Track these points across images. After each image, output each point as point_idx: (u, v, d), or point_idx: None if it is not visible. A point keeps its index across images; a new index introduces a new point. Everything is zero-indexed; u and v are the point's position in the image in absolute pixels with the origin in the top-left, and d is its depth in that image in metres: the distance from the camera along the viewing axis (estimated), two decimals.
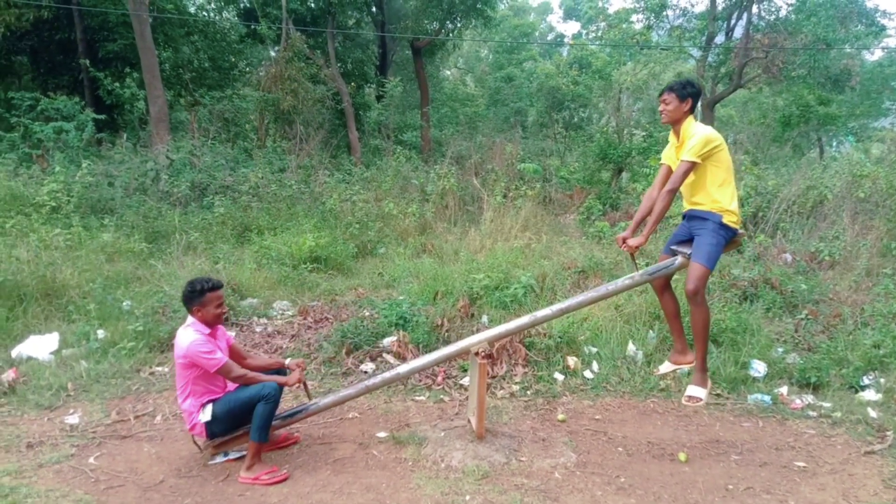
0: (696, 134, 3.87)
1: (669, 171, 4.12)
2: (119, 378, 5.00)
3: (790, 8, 17.74)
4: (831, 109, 20.95)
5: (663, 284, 4.31)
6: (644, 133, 17.34)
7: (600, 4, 26.93)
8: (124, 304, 6.04)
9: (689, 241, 4.11)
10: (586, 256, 7.70)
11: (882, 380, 5.25)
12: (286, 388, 4.07)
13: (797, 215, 9.39)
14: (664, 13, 19.27)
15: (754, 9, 17.90)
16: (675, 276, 4.36)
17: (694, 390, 4.06)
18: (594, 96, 22.54)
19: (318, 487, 3.60)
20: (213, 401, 3.72)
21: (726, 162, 3.95)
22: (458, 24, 21.06)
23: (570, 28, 51.93)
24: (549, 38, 39.12)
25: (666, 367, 4.53)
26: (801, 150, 21.02)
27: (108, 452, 3.95)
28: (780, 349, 5.86)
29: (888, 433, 4.47)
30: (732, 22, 18.53)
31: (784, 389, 5.25)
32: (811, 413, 4.91)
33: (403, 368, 4.21)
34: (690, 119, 4.00)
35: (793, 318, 6.53)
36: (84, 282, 6.30)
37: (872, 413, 4.81)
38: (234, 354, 3.91)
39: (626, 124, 19.00)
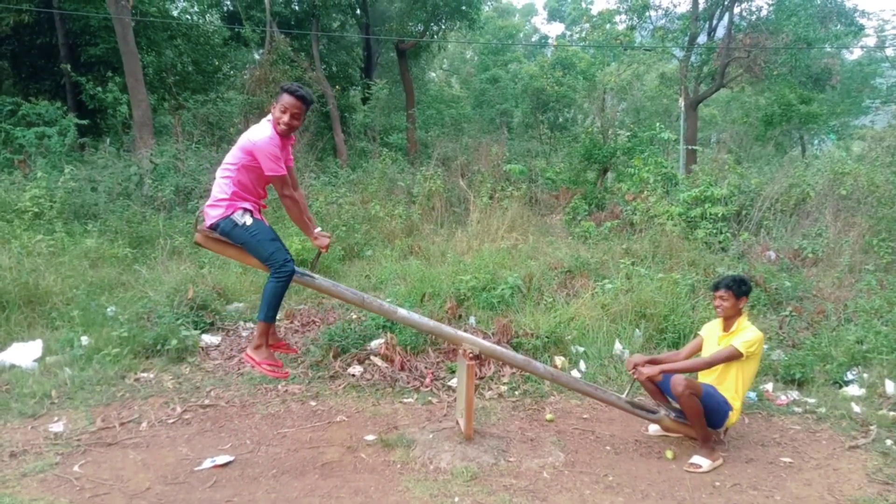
0: (754, 331, 4.11)
1: (701, 344, 4.36)
2: (104, 385, 4.95)
3: (770, 8, 17.91)
4: (813, 108, 21.18)
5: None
6: (628, 133, 17.43)
7: (584, 6, 27.03)
8: (108, 310, 5.99)
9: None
10: (572, 256, 7.74)
11: (865, 375, 5.32)
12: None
13: (780, 213, 9.49)
14: (647, 14, 19.37)
15: (736, 9, 18.04)
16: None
17: (699, 460, 4.00)
18: (579, 97, 22.66)
19: (307, 492, 3.59)
20: (252, 213, 3.63)
21: (756, 368, 4.21)
22: (443, 26, 21.05)
23: (555, 29, 52.26)
24: (533, 39, 39.25)
25: (655, 429, 4.52)
26: (783, 148, 21.26)
27: (93, 460, 3.91)
28: (765, 346, 5.91)
29: (871, 428, 4.52)
30: (714, 22, 18.65)
31: (769, 386, 5.30)
32: (796, 409, 4.96)
33: (402, 312, 4.21)
34: (745, 316, 4.23)
35: (777, 315, 6.60)
36: (67, 288, 6.24)
37: (856, 408, 4.86)
38: (290, 177, 3.81)
39: (611, 124, 19.08)
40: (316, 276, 4.10)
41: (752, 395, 5.12)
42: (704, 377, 4.26)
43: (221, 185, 3.63)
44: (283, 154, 3.63)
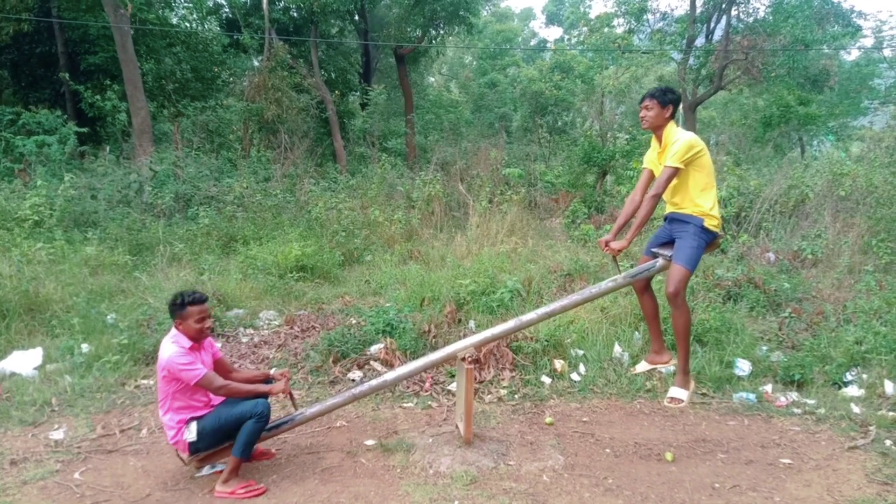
0: (679, 140, 3.94)
1: (651, 175, 4.21)
2: (104, 392, 4.96)
3: (768, 10, 17.97)
4: (811, 109, 21.23)
5: (644, 286, 4.37)
6: (627, 136, 17.47)
7: (582, 10, 27.12)
8: (108, 317, 6.00)
9: (669, 243, 4.16)
10: (572, 259, 7.75)
11: (864, 376, 5.31)
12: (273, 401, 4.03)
13: (779, 215, 9.50)
14: (645, 17, 19.45)
15: (733, 11, 18.11)
16: (656, 277, 4.40)
17: (676, 392, 4.10)
18: (577, 100, 22.71)
19: (306, 497, 3.59)
20: (197, 418, 3.65)
21: (708, 167, 4.03)
22: (441, 31, 21.14)
23: (553, 33, 52.30)
24: (531, 43, 39.35)
25: (642, 366, 4.60)
26: (782, 150, 21.25)
27: (93, 467, 3.92)
28: (765, 347, 5.92)
29: (871, 428, 4.52)
30: (712, 25, 18.72)
31: (769, 387, 5.30)
32: (796, 410, 4.96)
33: (390, 376, 4.21)
34: (672, 125, 4.08)
35: (776, 317, 6.60)
36: (67, 296, 6.25)
37: (855, 409, 4.86)
38: (220, 368, 3.85)
39: (610, 128, 19.09)
40: (304, 410, 4.12)
41: (752, 396, 5.13)
42: (668, 204, 4.21)
43: (166, 423, 3.67)
44: (200, 355, 3.68)
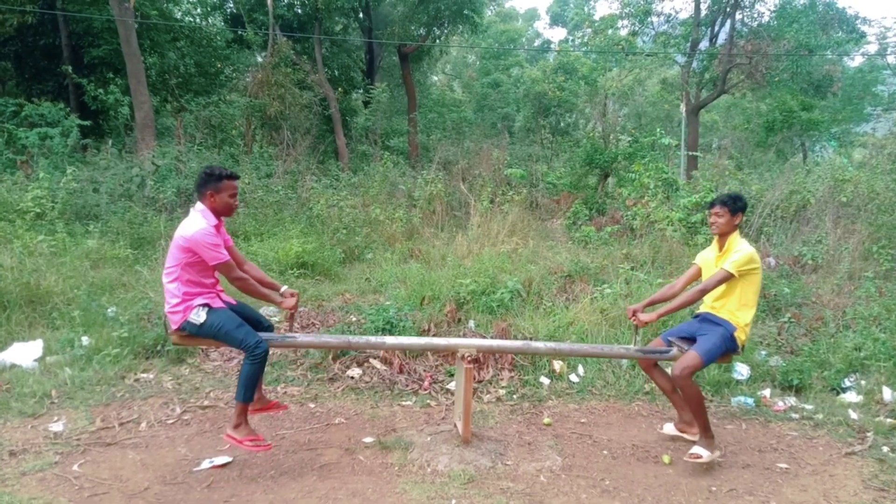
0: (742, 250, 4.02)
1: (698, 272, 4.32)
2: (103, 385, 4.96)
3: (772, 14, 17.97)
4: (814, 115, 21.24)
5: (652, 364, 4.37)
6: (630, 138, 17.48)
7: (586, 11, 27.12)
8: (109, 310, 6.01)
9: (689, 339, 4.18)
10: (572, 261, 7.75)
11: (863, 382, 5.33)
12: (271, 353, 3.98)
13: (781, 220, 9.51)
14: (649, 19, 19.45)
15: (738, 15, 18.11)
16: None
17: (699, 450, 4.01)
18: (580, 102, 22.71)
19: (304, 493, 3.60)
20: (210, 307, 3.63)
21: (757, 284, 4.11)
22: (445, 30, 21.14)
23: (557, 34, 52.28)
24: (535, 43, 39.33)
25: (670, 429, 4.51)
26: (784, 155, 21.30)
27: (92, 460, 3.92)
28: (764, 352, 5.93)
29: (868, 434, 4.53)
30: (716, 28, 18.72)
31: (767, 392, 5.31)
32: (794, 415, 4.97)
33: (391, 340, 4.24)
34: (737, 234, 4.16)
35: (776, 322, 6.61)
36: (68, 288, 6.25)
37: (853, 414, 4.87)
38: (234, 257, 3.83)
39: (613, 129, 19.13)
40: (296, 335, 4.14)
41: (750, 400, 5.14)
42: (705, 304, 4.24)
43: (171, 290, 3.65)
44: (221, 235, 3.68)
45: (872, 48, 21.82)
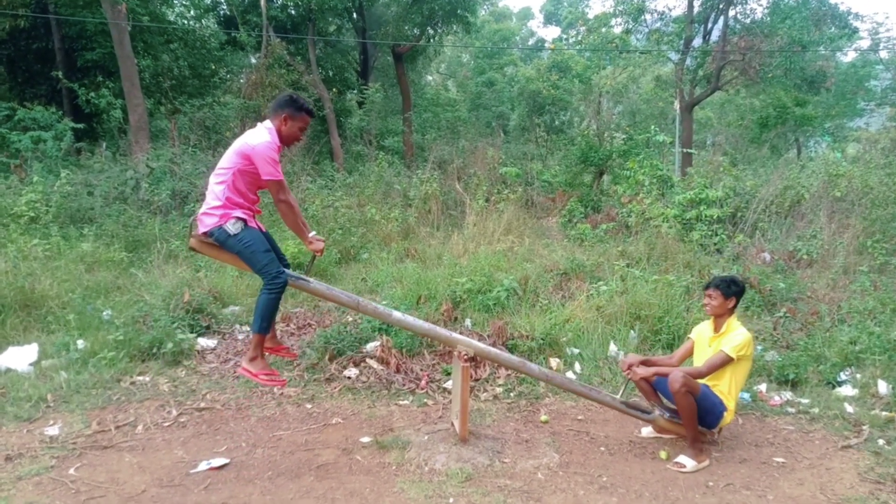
0: (742, 334, 4.12)
1: (692, 348, 4.40)
2: (99, 388, 4.95)
3: (765, 11, 18.01)
4: (807, 110, 21.30)
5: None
6: (624, 136, 17.51)
7: (580, 9, 27.14)
8: (104, 313, 6.00)
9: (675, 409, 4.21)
10: (568, 259, 7.76)
11: (858, 375, 5.34)
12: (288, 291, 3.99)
13: (775, 215, 9.54)
14: (642, 17, 19.47)
15: (731, 12, 18.14)
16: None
17: (684, 458, 4.02)
18: (575, 100, 22.73)
19: (302, 493, 3.60)
20: (246, 223, 3.64)
21: (747, 370, 4.25)
22: (439, 30, 21.12)
23: (551, 33, 52.33)
24: (529, 42, 39.36)
25: (648, 432, 4.52)
26: (778, 150, 21.33)
27: (88, 463, 3.91)
28: (759, 347, 5.94)
29: (864, 428, 4.54)
30: (710, 25, 18.75)
31: (763, 387, 5.32)
32: (790, 409, 4.98)
33: (397, 315, 4.24)
34: (734, 317, 4.25)
35: (771, 317, 6.63)
36: (63, 292, 6.24)
37: (849, 408, 4.88)
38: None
39: (607, 127, 19.18)
40: (311, 279, 4.12)
41: (746, 395, 5.14)
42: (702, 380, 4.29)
43: (216, 191, 3.64)
44: (280, 157, 3.68)
45: (865, 44, 21.91)
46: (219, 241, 3.68)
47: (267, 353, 4.02)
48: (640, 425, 4.62)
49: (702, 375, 4.11)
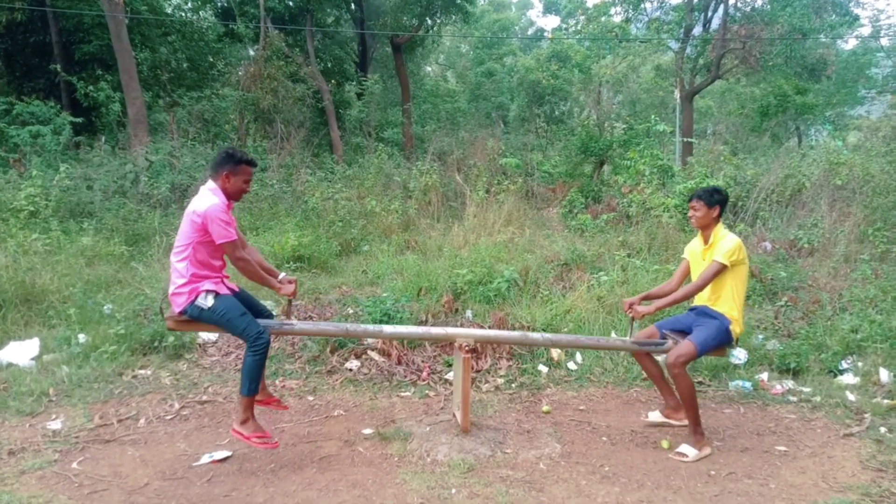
0: (731, 239, 4.08)
1: (688, 267, 4.37)
2: (101, 382, 4.96)
3: None
4: (808, 99, 21.21)
5: (642, 352, 4.39)
6: (625, 126, 17.45)
7: None
8: (105, 307, 5.99)
9: (684, 332, 4.20)
10: (569, 249, 7.75)
11: (860, 364, 5.34)
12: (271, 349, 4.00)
13: (776, 204, 9.51)
14: (642, 6, 19.38)
15: (730, 0, 18.05)
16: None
17: (685, 448, 4.03)
18: (575, 90, 22.64)
19: (304, 485, 3.61)
20: (217, 293, 3.63)
21: (745, 275, 4.18)
22: (438, 20, 21.01)
23: (550, 22, 52.12)
24: (528, 32, 39.20)
25: (656, 416, 4.54)
26: (779, 139, 21.28)
27: (91, 457, 3.92)
28: (761, 336, 5.94)
29: (866, 416, 4.55)
30: (709, 13, 18.67)
31: (765, 375, 5.33)
32: (791, 398, 4.98)
33: (388, 329, 4.24)
34: (720, 225, 4.21)
35: (773, 306, 6.62)
36: (64, 286, 6.24)
37: (851, 396, 4.89)
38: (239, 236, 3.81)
39: (607, 117, 19.12)
40: (294, 321, 4.13)
41: (748, 384, 5.15)
42: (700, 299, 4.27)
43: (179, 269, 3.61)
44: (230, 216, 3.66)
45: (866, 31, 21.81)
46: (193, 317, 3.67)
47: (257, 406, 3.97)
48: (646, 411, 4.64)
49: (699, 289, 4.10)
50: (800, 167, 10.38)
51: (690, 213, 4.25)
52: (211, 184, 3.65)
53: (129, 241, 7.98)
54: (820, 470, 3.85)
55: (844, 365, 5.40)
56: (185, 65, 17.00)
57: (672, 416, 4.44)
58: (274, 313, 5.38)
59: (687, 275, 4.41)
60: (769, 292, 6.89)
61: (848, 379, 5.20)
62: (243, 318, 3.63)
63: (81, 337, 5.50)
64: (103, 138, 11.87)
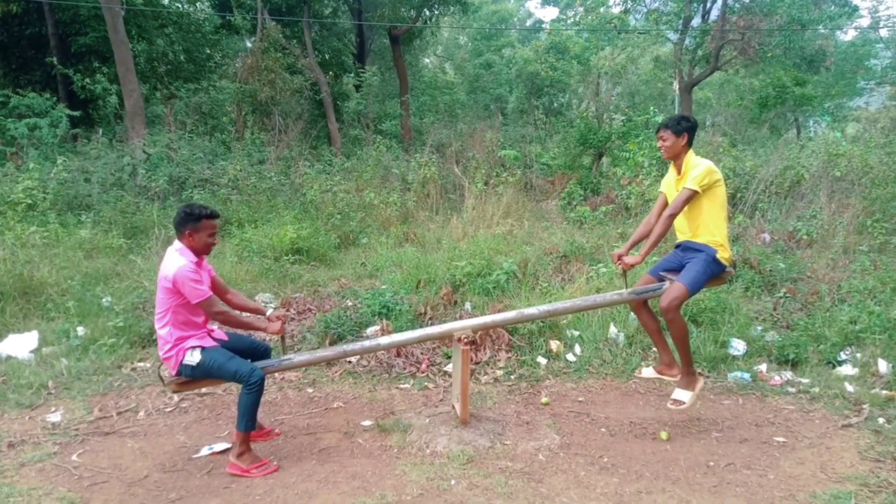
0: (699, 165, 3.98)
1: (666, 201, 4.25)
2: (100, 375, 4.96)
3: None
4: (807, 90, 21.15)
5: (640, 302, 4.36)
6: (623, 117, 17.40)
7: None
8: (104, 300, 5.99)
9: (677, 269, 4.16)
10: (568, 241, 7.75)
11: (858, 355, 5.35)
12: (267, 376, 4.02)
13: (775, 195, 9.50)
14: None
15: None
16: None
17: (679, 393, 4.07)
18: (573, 81, 22.58)
19: (304, 477, 3.61)
20: (202, 347, 3.64)
21: (722, 198, 4.07)
22: (436, 12, 20.93)
23: (549, 14, 51.93)
24: (527, 24, 39.06)
25: (649, 372, 4.56)
26: (778, 130, 21.24)
27: (91, 449, 3.93)
28: (759, 327, 5.95)
29: (864, 406, 4.56)
30: (708, 4, 18.60)
31: (763, 367, 5.33)
32: (790, 389, 4.99)
33: (385, 340, 4.23)
34: (691, 153, 4.11)
35: (771, 297, 6.63)
36: (62, 279, 6.23)
37: (849, 387, 4.90)
38: (217, 288, 3.82)
39: (606, 109, 19.05)
40: (291, 355, 4.12)
41: (747, 375, 5.16)
42: (682, 233, 4.23)
43: (163, 335, 3.64)
44: (202, 273, 3.65)
45: (865, 22, 21.76)
46: (187, 376, 3.69)
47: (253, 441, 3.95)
48: (640, 367, 4.62)
49: (672, 217, 4.01)
50: (799, 158, 10.37)
51: (659, 143, 4.15)
52: (177, 244, 3.64)
53: (127, 233, 7.97)
54: (818, 461, 3.86)
55: (843, 356, 5.41)
56: (182, 57, 16.93)
57: (665, 372, 4.43)
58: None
59: (663, 208, 4.28)
60: (768, 284, 6.89)
61: (846, 370, 5.21)
62: (231, 361, 3.64)
63: (80, 329, 5.50)
64: (100, 131, 11.84)
